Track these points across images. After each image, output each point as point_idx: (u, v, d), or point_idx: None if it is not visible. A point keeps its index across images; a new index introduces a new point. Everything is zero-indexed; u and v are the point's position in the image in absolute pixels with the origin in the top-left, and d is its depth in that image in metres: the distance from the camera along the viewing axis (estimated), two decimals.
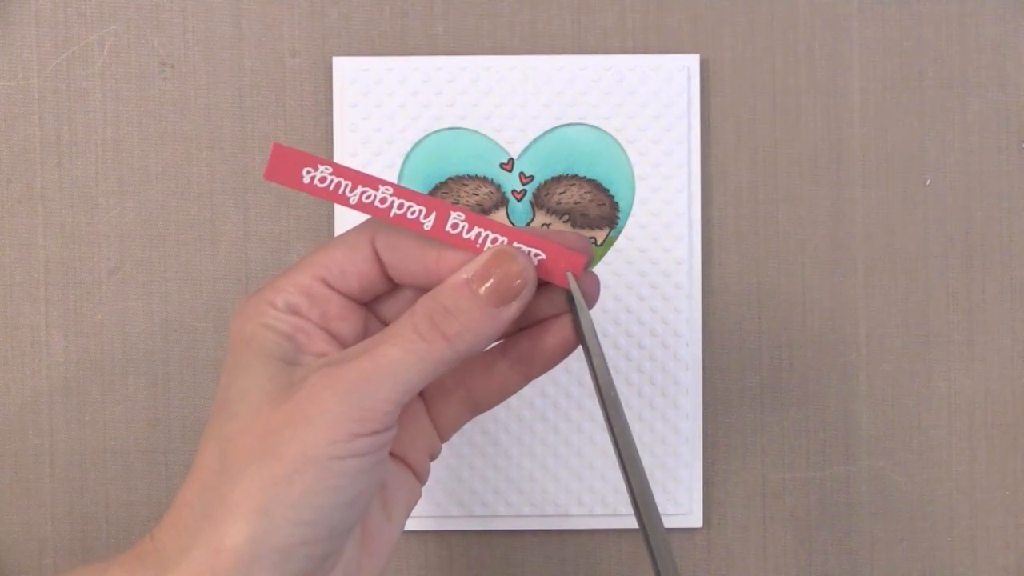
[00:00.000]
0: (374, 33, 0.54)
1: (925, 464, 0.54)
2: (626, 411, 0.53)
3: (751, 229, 0.54)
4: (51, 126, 0.54)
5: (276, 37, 0.54)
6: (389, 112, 0.53)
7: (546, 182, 0.53)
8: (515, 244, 0.39)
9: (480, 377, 0.42)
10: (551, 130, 0.53)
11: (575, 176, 0.53)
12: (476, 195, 0.53)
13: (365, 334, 0.40)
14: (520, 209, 0.53)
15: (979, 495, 0.55)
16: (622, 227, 0.53)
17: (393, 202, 0.38)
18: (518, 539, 0.54)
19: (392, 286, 0.40)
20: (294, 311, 0.39)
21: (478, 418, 0.53)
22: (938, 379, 0.54)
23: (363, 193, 0.38)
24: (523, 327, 0.41)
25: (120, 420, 0.53)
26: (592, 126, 0.53)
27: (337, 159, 0.53)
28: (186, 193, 0.54)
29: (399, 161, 0.53)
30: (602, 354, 0.39)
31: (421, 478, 0.42)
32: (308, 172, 0.38)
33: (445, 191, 0.53)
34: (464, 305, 0.37)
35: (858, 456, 0.54)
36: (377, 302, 0.41)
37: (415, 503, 0.42)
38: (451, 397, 0.42)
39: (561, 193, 0.53)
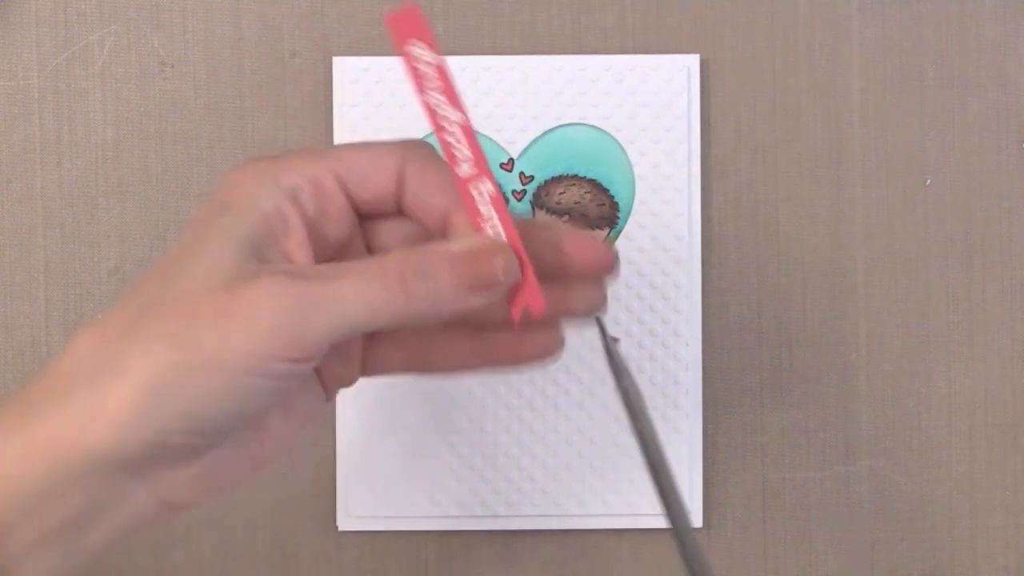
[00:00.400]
0: (374, 33, 0.54)
1: (925, 464, 0.54)
2: (626, 411, 0.53)
3: (751, 229, 0.54)
4: (51, 126, 0.54)
5: (276, 37, 0.54)
6: (389, 112, 0.53)
7: (546, 182, 0.53)
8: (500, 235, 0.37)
9: (441, 348, 0.40)
10: (551, 130, 0.53)
11: (575, 176, 0.53)
12: None
13: (346, 248, 0.39)
14: (520, 209, 0.53)
15: (979, 495, 0.55)
16: (622, 227, 0.53)
17: (450, 127, 0.37)
18: (518, 539, 0.54)
19: (395, 213, 0.39)
20: (292, 196, 0.37)
21: (478, 418, 0.53)
22: (938, 379, 0.54)
23: (437, 101, 0.37)
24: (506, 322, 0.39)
25: None
26: (592, 126, 0.53)
27: None
28: (186, 193, 0.54)
29: None
30: (638, 391, 0.39)
31: (329, 395, 0.40)
32: (416, 47, 0.37)
33: None
34: (439, 274, 0.36)
35: (858, 456, 0.54)
36: (376, 226, 0.40)
37: (317, 416, 0.40)
38: (400, 347, 0.40)
39: (561, 193, 0.53)
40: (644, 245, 0.53)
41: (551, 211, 0.53)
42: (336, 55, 0.53)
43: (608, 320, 0.54)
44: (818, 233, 0.54)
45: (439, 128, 0.37)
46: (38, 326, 0.53)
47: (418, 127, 0.53)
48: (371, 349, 0.40)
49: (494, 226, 0.37)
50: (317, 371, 0.39)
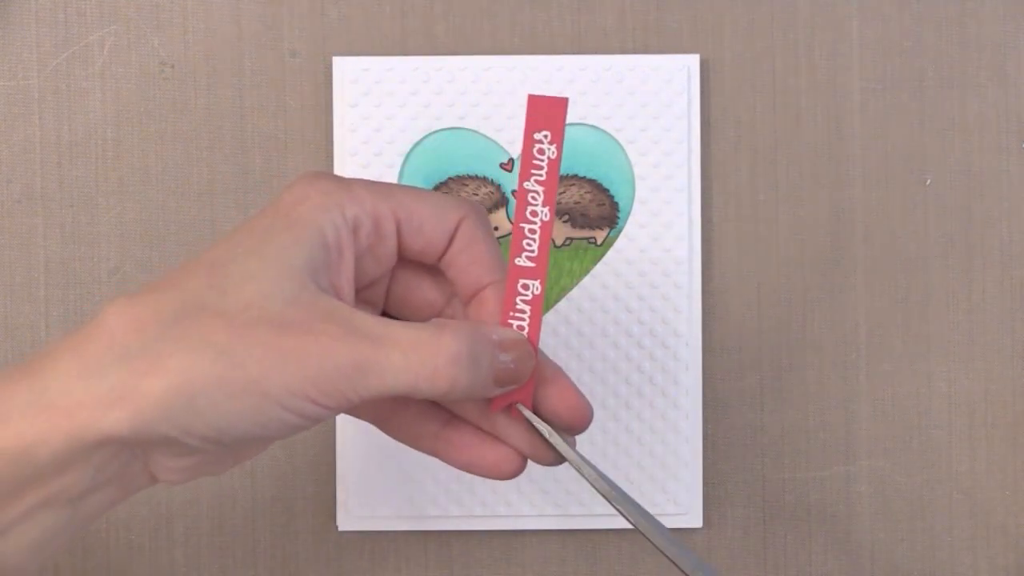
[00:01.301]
0: (374, 33, 0.54)
1: (925, 464, 0.54)
2: (626, 411, 0.53)
3: (751, 229, 0.54)
4: (51, 126, 0.54)
5: (276, 37, 0.54)
6: (389, 112, 0.53)
7: None
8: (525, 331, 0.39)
9: (410, 422, 0.41)
10: None
11: (575, 176, 0.53)
12: (476, 195, 0.53)
13: (373, 285, 0.39)
14: None
15: (979, 495, 0.55)
16: (622, 227, 0.53)
17: (533, 221, 0.38)
18: (518, 539, 0.54)
19: (434, 268, 0.40)
20: (354, 229, 0.37)
21: None
22: (938, 379, 0.54)
23: (534, 193, 0.38)
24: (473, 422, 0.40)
25: None
26: (592, 126, 0.53)
27: (337, 159, 0.53)
28: (186, 193, 0.54)
29: (399, 161, 0.53)
30: (596, 474, 0.39)
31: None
32: (544, 137, 0.37)
33: (445, 191, 0.53)
34: (483, 363, 0.37)
35: (858, 456, 0.54)
36: (404, 264, 0.40)
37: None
38: (373, 408, 0.41)
39: (561, 193, 0.53)
40: (644, 245, 0.53)
41: None
42: (336, 55, 0.53)
43: (609, 320, 0.54)
44: (818, 233, 0.54)
45: (523, 218, 0.38)
46: (38, 326, 0.53)
47: (418, 127, 0.53)
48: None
49: (522, 325, 0.38)
50: None
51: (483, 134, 0.53)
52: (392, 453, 0.53)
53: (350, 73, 0.53)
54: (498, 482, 0.53)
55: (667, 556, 0.39)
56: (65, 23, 0.53)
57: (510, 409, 0.39)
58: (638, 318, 0.53)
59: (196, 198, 0.54)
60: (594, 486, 0.39)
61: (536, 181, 0.38)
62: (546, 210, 0.38)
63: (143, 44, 0.54)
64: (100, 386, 0.34)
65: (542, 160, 0.38)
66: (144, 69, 0.54)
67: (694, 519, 0.53)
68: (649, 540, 0.39)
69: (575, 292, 0.53)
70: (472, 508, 0.53)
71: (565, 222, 0.53)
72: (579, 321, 0.53)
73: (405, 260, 0.40)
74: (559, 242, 0.53)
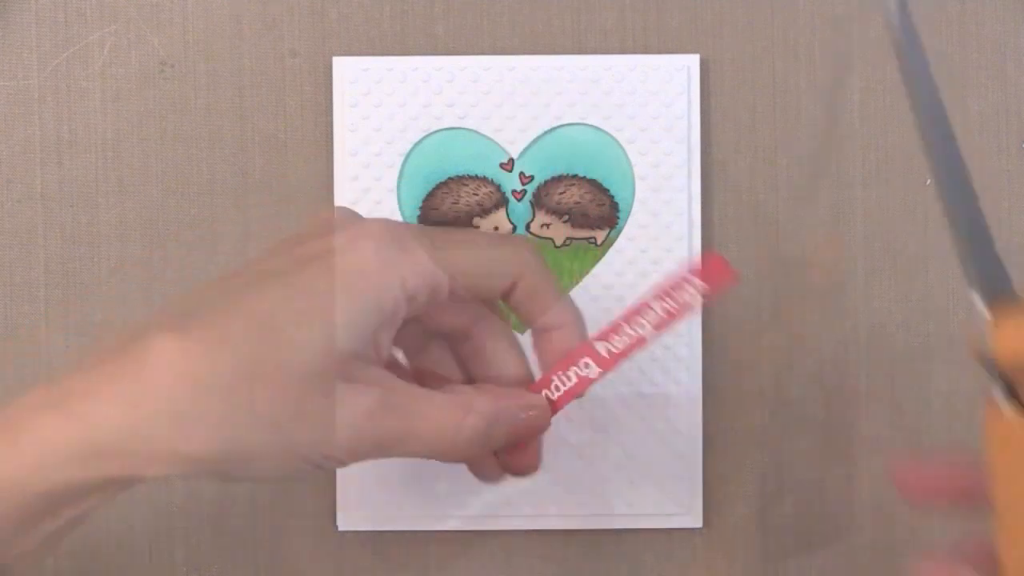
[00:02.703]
0: (374, 33, 0.54)
1: None
2: (626, 411, 0.53)
3: (751, 229, 0.54)
4: (51, 126, 0.54)
5: (276, 37, 0.54)
6: (389, 112, 0.53)
7: (546, 182, 0.53)
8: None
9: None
10: (551, 130, 0.53)
11: (575, 176, 0.53)
12: (476, 195, 0.53)
13: (418, 343, 0.41)
14: (520, 209, 0.53)
15: None
16: (622, 227, 0.53)
17: (631, 334, 0.41)
18: (518, 539, 0.54)
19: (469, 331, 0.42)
20: (411, 299, 0.38)
21: None
22: (938, 379, 0.54)
23: (655, 323, 0.40)
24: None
25: None
26: (592, 126, 0.53)
27: (337, 159, 0.53)
28: (186, 193, 0.54)
29: (399, 161, 0.53)
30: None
31: None
32: (700, 290, 0.40)
33: (445, 191, 0.53)
34: (503, 425, 0.39)
35: (858, 456, 0.54)
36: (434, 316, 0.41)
37: None
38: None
39: (561, 193, 0.53)
40: (644, 245, 0.53)
41: (551, 211, 0.53)
42: (336, 55, 0.53)
43: (609, 320, 0.54)
44: (818, 233, 0.54)
45: (630, 320, 0.40)
46: (38, 326, 0.53)
47: (418, 127, 0.53)
48: None
49: (559, 386, 0.41)
50: None
51: (483, 134, 0.53)
52: None
53: (350, 73, 0.53)
54: None
55: None
56: (65, 23, 0.53)
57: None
58: None
59: (196, 198, 0.54)
60: None
61: (665, 310, 0.39)
62: (651, 332, 0.40)
63: (143, 44, 0.54)
64: (147, 441, 0.35)
65: (676, 308, 0.40)
66: (144, 69, 0.54)
67: (694, 519, 0.53)
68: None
69: (576, 292, 0.53)
70: (472, 508, 0.53)
71: (565, 222, 0.53)
72: None
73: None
74: (559, 242, 0.53)
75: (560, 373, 0.40)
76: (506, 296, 0.41)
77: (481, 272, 0.40)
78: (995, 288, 0.34)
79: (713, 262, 0.40)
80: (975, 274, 0.34)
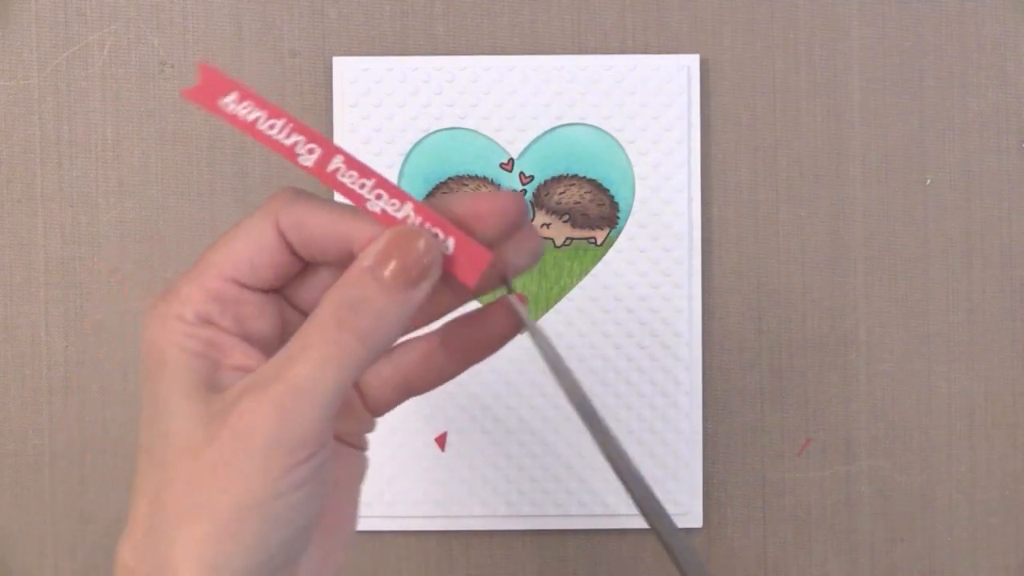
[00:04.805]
0: (374, 33, 0.54)
1: (925, 464, 0.55)
2: (626, 411, 0.53)
3: (751, 229, 0.54)
4: (51, 126, 0.54)
5: (276, 37, 0.54)
6: (389, 112, 0.53)
7: (546, 182, 0.53)
8: (416, 221, 0.35)
9: (418, 366, 0.39)
10: (551, 130, 0.53)
11: (575, 176, 0.53)
12: None
13: (282, 327, 0.38)
14: None
15: (979, 495, 0.55)
16: (622, 227, 0.53)
17: (286, 132, 0.35)
18: (518, 539, 0.54)
19: (304, 266, 0.37)
20: (207, 321, 0.36)
21: (479, 418, 0.53)
22: (938, 379, 0.54)
23: (269, 123, 0.35)
24: (460, 313, 0.39)
25: (120, 420, 0.53)
26: (592, 126, 0.53)
27: None
28: (186, 193, 0.54)
29: (399, 161, 0.53)
30: (565, 368, 0.36)
31: (363, 447, 0.40)
32: (228, 101, 0.35)
33: (445, 191, 0.53)
34: (370, 294, 0.34)
35: (858, 456, 0.54)
36: (291, 286, 0.38)
37: (365, 472, 0.40)
38: (386, 385, 0.39)
39: (561, 193, 0.53)
40: (644, 245, 0.53)
41: (551, 211, 0.53)
42: (336, 55, 0.53)
43: (609, 320, 0.54)
44: (818, 233, 0.54)
45: (288, 153, 0.35)
46: (38, 326, 0.53)
47: (418, 127, 0.53)
48: (371, 401, 0.40)
49: (408, 215, 0.35)
50: (342, 439, 0.39)
51: (483, 134, 0.53)
52: (393, 453, 0.53)
53: (350, 73, 0.53)
54: (498, 482, 0.53)
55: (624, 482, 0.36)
56: (65, 23, 0.53)
57: (484, 266, 0.36)
58: (638, 318, 0.53)
59: (196, 198, 0.54)
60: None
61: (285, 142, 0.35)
62: (314, 157, 0.35)
63: (143, 44, 0.54)
64: None
65: (241, 114, 0.35)
66: (144, 69, 0.54)
67: (694, 519, 0.54)
68: (620, 478, 0.36)
69: (576, 292, 0.53)
70: (473, 508, 0.53)
71: (565, 222, 0.53)
72: (580, 321, 0.53)
73: (294, 277, 0.38)
74: (559, 242, 0.53)
75: (365, 203, 0.35)
76: (295, 251, 0.37)
77: (241, 248, 0.36)
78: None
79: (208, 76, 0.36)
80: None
